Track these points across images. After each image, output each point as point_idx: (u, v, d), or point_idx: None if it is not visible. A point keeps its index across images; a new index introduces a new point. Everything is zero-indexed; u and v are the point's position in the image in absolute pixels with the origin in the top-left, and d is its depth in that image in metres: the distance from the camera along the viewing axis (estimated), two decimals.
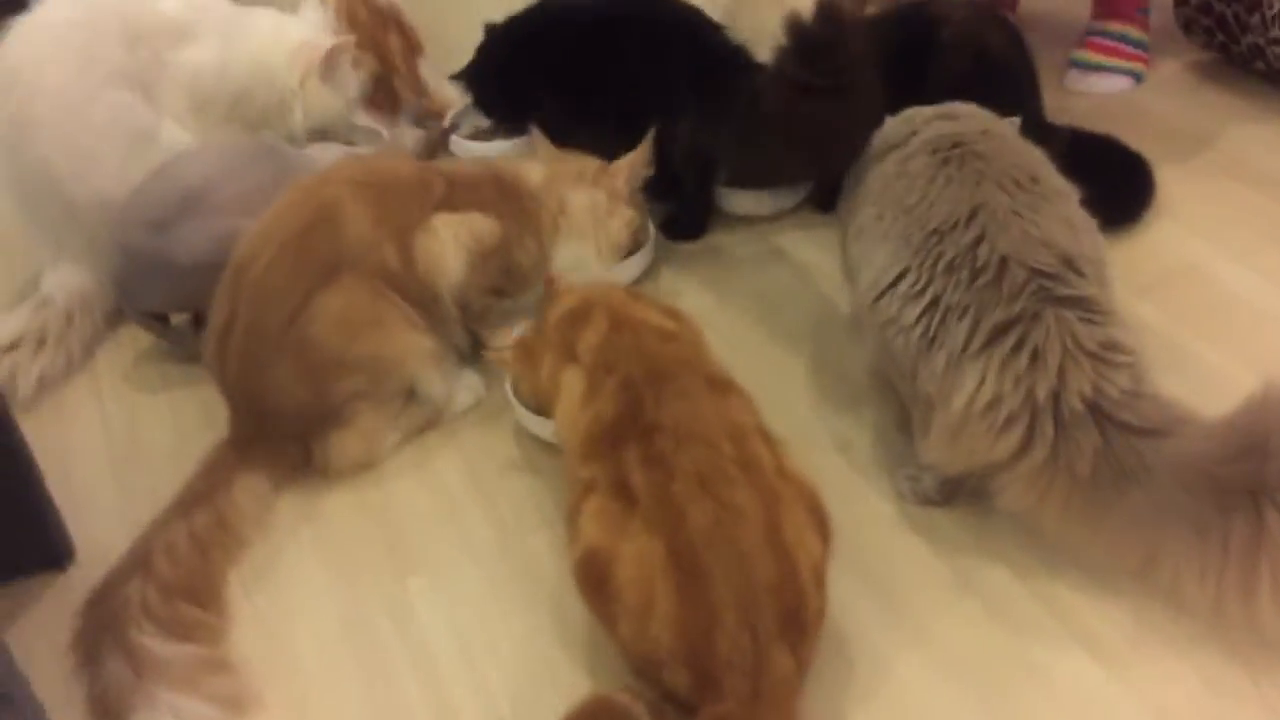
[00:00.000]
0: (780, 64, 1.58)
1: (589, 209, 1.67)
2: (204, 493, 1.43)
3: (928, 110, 1.45)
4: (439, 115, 2.19)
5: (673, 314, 1.38)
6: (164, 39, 1.76)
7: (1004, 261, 1.18)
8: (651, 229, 1.83)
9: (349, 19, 2.19)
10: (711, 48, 1.77)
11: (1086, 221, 1.26)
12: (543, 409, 1.45)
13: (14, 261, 1.96)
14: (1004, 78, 1.79)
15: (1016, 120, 1.51)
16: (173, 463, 1.54)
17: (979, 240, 1.20)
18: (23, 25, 1.68)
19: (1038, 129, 1.67)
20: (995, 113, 1.48)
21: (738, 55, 1.76)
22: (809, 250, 1.85)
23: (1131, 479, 1.11)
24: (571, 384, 1.29)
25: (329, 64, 1.92)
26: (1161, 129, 1.99)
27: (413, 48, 2.29)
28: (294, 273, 1.43)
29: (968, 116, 1.40)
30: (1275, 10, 1.88)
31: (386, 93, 2.19)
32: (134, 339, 1.80)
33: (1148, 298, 1.62)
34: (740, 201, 1.92)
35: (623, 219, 1.69)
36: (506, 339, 1.56)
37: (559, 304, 1.42)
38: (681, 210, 1.89)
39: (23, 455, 1.35)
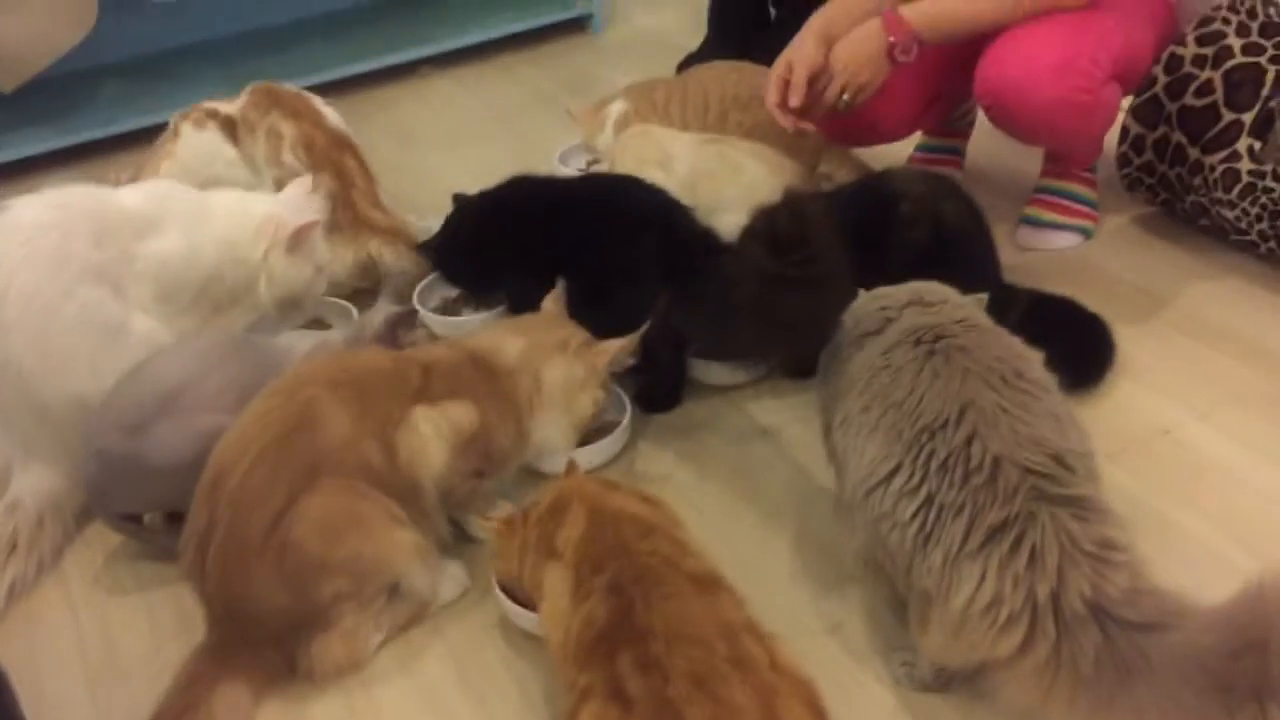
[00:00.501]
0: (751, 254, 1.62)
1: (562, 384, 1.67)
2: (183, 708, 1.38)
3: (900, 294, 1.48)
4: (398, 237, 2.26)
5: (650, 502, 1.39)
6: (129, 233, 1.76)
7: (997, 461, 1.20)
8: (629, 407, 1.84)
9: (306, 145, 2.24)
10: (682, 231, 1.81)
11: (1070, 414, 1.29)
12: (520, 593, 1.45)
13: None
14: (962, 247, 1.85)
15: (983, 297, 1.56)
16: (150, 671, 1.51)
17: (970, 439, 1.22)
18: None
19: (996, 293, 1.72)
20: (955, 281, 1.53)
21: (707, 238, 1.80)
22: (783, 418, 1.87)
23: (1135, 674, 1.11)
24: (555, 583, 1.29)
25: (297, 240, 1.95)
26: (1113, 285, 2.06)
27: (367, 174, 2.34)
28: (274, 478, 1.42)
29: (941, 304, 1.43)
30: (1218, 173, 1.97)
31: (346, 209, 2.23)
32: (103, 538, 1.75)
33: (1118, 463, 1.66)
34: (713, 372, 1.94)
35: (592, 397, 1.70)
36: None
37: (537, 500, 1.43)
38: (655, 382, 1.91)
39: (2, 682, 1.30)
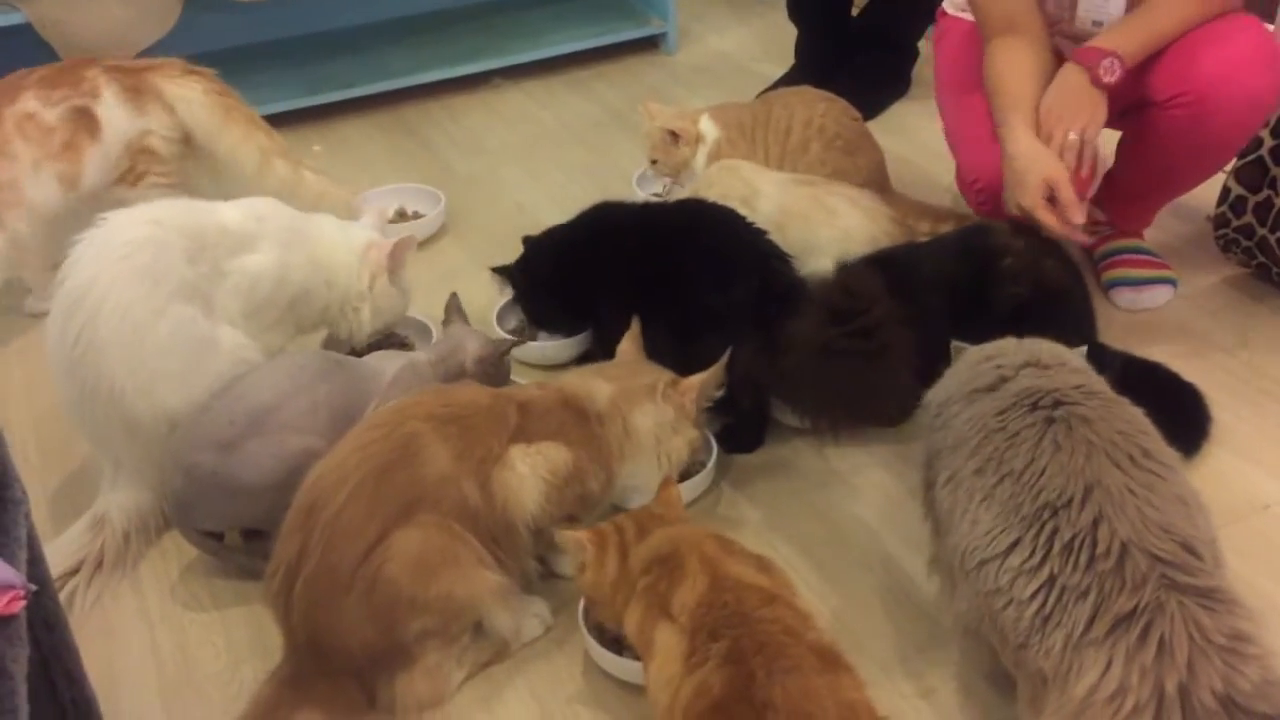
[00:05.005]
0: (804, 322, 1.63)
1: (653, 429, 1.65)
2: None
3: (1015, 353, 1.45)
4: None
5: (764, 566, 1.36)
6: (224, 250, 1.75)
7: (1125, 547, 1.17)
8: (714, 448, 1.82)
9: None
10: (777, 281, 1.80)
11: (1195, 496, 1.26)
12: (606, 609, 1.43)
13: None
14: (1062, 304, 1.82)
15: (1082, 350, 1.53)
16: (227, 691, 1.52)
17: (1097, 521, 1.19)
18: (87, 246, 1.67)
19: (1093, 353, 1.69)
20: (1054, 338, 1.50)
21: (798, 291, 1.78)
22: (864, 464, 1.85)
23: None
24: (668, 645, 1.26)
25: (396, 259, 1.95)
26: (1206, 350, 2.03)
27: None
28: (370, 511, 1.40)
29: (1058, 366, 1.40)
30: None
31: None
32: (179, 550, 1.74)
33: (1220, 538, 1.62)
34: (794, 414, 1.91)
35: (686, 438, 1.68)
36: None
37: (645, 542, 1.40)
38: (738, 423, 1.88)
39: (91, 708, 1.29)
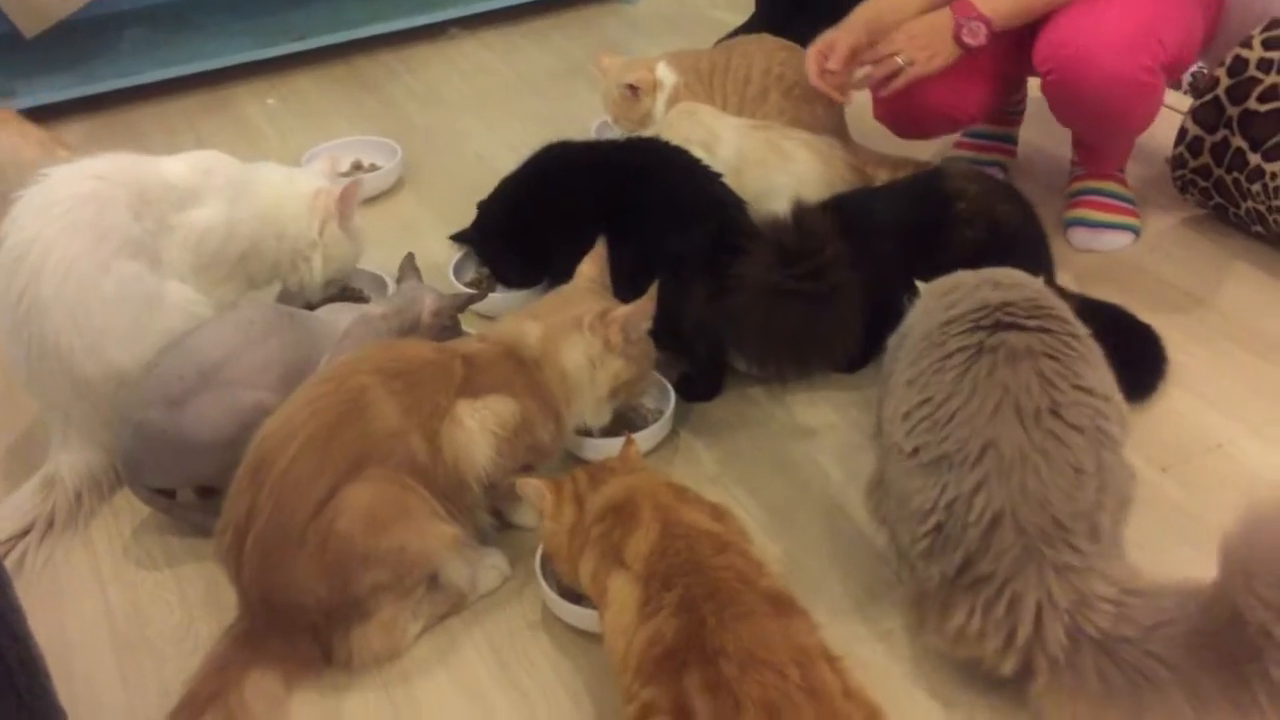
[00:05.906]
0: (755, 263, 1.65)
1: (585, 365, 1.61)
2: (213, 693, 1.36)
3: (971, 277, 1.44)
4: None
5: (718, 514, 1.37)
6: (169, 204, 1.72)
7: (996, 519, 1.24)
8: (672, 395, 1.81)
9: None
10: (732, 228, 1.77)
11: (1096, 460, 1.25)
12: (562, 562, 1.43)
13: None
14: (1017, 248, 1.80)
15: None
16: (181, 649, 1.51)
17: (978, 487, 1.24)
18: (30, 202, 1.63)
19: None
20: None
21: (751, 239, 1.76)
22: (822, 411, 1.85)
23: (1156, 676, 1.17)
24: (622, 594, 1.26)
25: (345, 204, 1.92)
26: (1163, 291, 2.03)
27: None
28: (320, 466, 1.38)
29: (1014, 285, 1.39)
30: (1279, 181, 1.93)
31: None
32: (131, 507, 1.72)
33: (1171, 474, 1.63)
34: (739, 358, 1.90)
35: (610, 370, 1.63)
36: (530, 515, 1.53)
37: (599, 491, 1.39)
38: (696, 372, 1.87)
39: (38, 667, 1.27)
